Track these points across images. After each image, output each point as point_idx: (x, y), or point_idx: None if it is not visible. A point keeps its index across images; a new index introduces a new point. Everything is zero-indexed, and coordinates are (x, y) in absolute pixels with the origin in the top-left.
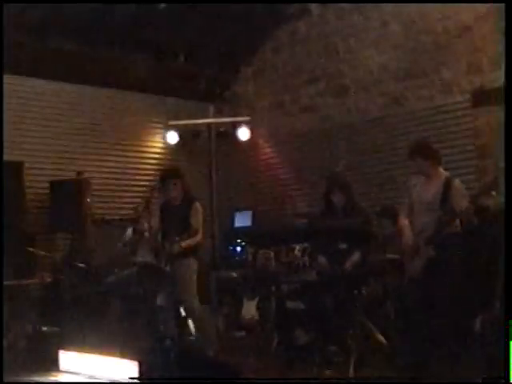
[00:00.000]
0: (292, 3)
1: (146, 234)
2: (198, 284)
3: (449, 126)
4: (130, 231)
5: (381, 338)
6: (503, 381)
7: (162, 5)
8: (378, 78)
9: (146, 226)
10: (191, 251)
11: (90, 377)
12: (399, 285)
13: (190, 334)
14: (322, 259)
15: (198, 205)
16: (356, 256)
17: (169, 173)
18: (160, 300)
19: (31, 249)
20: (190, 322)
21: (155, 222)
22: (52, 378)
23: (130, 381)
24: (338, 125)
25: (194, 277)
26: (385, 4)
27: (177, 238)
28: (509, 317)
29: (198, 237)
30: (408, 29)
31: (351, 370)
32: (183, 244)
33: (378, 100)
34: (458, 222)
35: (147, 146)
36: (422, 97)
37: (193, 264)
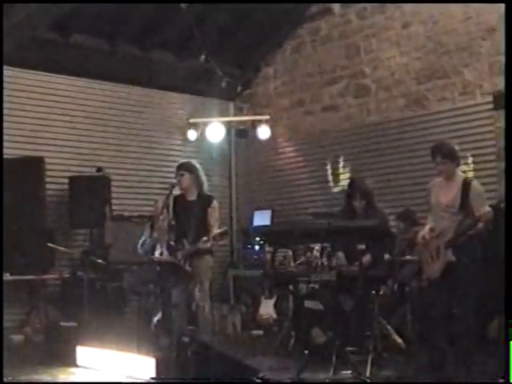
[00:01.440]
0: (313, 3)
1: (164, 230)
2: (217, 283)
3: (470, 128)
4: (148, 228)
5: (398, 339)
6: (503, 381)
7: (184, 4)
8: (399, 79)
9: (164, 222)
10: (208, 249)
11: (107, 372)
12: (418, 287)
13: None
14: (340, 255)
15: (215, 202)
16: (373, 256)
17: (178, 165)
18: (176, 297)
19: (50, 244)
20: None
21: (170, 217)
22: (69, 374)
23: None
24: (359, 125)
25: (209, 275)
26: (407, 4)
27: (205, 238)
28: (509, 317)
29: (225, 238)
30: (430, 30)
31: (368, 371)
32: (209, 244)
33: (399, 101)
34: (478, 225)
35: (167, 144)
36: (443, 98)
37: (209, 261)
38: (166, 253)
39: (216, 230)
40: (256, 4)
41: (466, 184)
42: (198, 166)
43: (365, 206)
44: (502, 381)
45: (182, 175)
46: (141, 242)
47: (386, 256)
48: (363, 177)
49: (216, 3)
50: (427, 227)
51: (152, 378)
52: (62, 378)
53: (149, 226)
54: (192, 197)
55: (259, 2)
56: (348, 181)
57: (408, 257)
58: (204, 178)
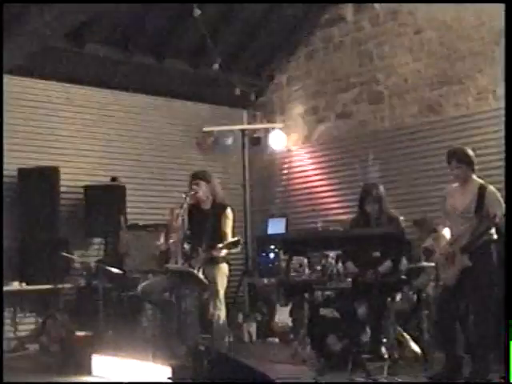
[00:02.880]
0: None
1: (178, 239)
2: (232, 291)
3: (484, 134)
4: (162, 237)
5: (414, 346)
6: (503, 381)
7: (198, 12)
8: (412, 85)
9: (179, 231)
10: (223, 257)
11: (123, 381)
12: (434, 293)
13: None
14: (349, 264)
15: (230, 211)
16: (389, 264)
17: (193, 173)
18: (191, 305)
19: (65, 254)
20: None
21: (185, 226)
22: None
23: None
24: (373, 132)
25: (225, 283)
26: (419, 10)
27: (220, 245)
28: (509, 317)
29: (238, 247)
30: (443, 35)
31: (384, 378)
32: (223, 253)
33: (413, 107)
34: (493, 230)
35: (182, 152)
36: (456, 104)
37: (225, 270)
38: (180, 261)
39: (230, 239)
40: (269, 12)
41: (482, 189)
42: (212, 174)
43: (378, 210)
44: (501, 381)
45: (197, 184)
46: (157, 251)
47: (403, 263)
48: (376, 182)
49: (230, 7)
50: (445, 235)
51: (169, 378)
52: None
53: (163, 235)
54: (206, 205)
55: (275, 2)
56: (361, 186)
57: (424, 263)
58: (218, 186)
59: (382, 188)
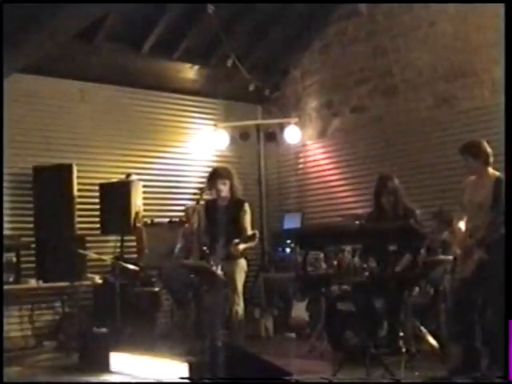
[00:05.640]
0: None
1: (196, 235)
2: (248, 286)
3: (499, 126)
4: (181, 234)
5: (432, 340)
6: (503, 380)
7: (212, 8)
8: (427, 78)
9: (195, 227)
10: (241, 253)
11: (141, 378)
12: (451, 287)
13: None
14: (370, 260)
15: (247, 206)
16: (407, 258)
17: (219, 172)
18: (209, 301)
19: (82, 251)
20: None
21: (203, 223)
22: (102, 380)
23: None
24: (388, 125)
25: (243, 278)
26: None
27: (236, 241)
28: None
29: (255, 241)
30: (458, 27)
31: (402, 373)
32: (241, 247)
33: (428, 100)
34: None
35: (196, 148)
36: (472, 97)
37: (243, 265)
38: (198, 258)
39: (251, 240)
40: (283, 6)
41: (499, 182)
42: (233, 171)
43: (393, 203)
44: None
45: (225, 184)
46: (176, 248)
47: (419, 256)
48: (390, 174)
49: (245, 4)
50: (461, 227)
51: (181, 378)
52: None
53: (181, 232)
54: (224, 201)
55: (288, 2)
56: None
57: (441, 256)
58: (238, 183)
59: (396, 180)
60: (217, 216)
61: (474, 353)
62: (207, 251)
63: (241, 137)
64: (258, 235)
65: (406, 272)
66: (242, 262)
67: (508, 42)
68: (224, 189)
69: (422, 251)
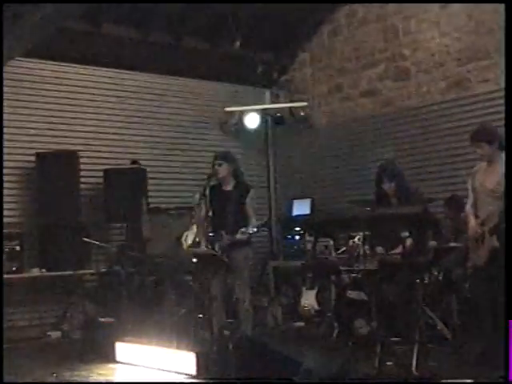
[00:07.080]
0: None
1: (202, 222)
2: (256, 274)
3: None
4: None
5: (444, 328)
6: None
7: None
8: (439, 61)
9: (202, 214)
10: (246, 240)
11: (147, 368)
12: (463, 275)
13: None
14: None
15: (253, 192)
16: (416, 243)
17: (216, 154)
18: (215, 289)
19: (86, 239)
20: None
21: (206, 208)
22: (108, 370)
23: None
24: (399, 109)
25: (249, 266)
26: None
27: (243, 229)
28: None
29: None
30: (470, 8)
31: (414, 362)
32: (246, 234)
33: (440, 83)
34: None
35: (203, 133)
36: (485, 79)
37: (248, 253)
38: (204, 244)
39: (253, 221)
40: None
41: (510, 167)
42: (235, 155)
43: (395, 187)
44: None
45: (220, 165)
46: (184, 236)
47: (431, 243)
48: (392, 159)
49: None
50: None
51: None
52: (100, 374)
53: (189, 219)
54: (229, 187)
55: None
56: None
57: (453, 243)
58: (241, 167)
59: (397, 164)
60: (222, 201)
61: (486, 341)
62: (212, 237)
63: (275, 120)
64: (263, 222)
65: (417, 259)
66: (248, 250)
67: (508, 42)
68: (220, 170)
69: (432, 239)
